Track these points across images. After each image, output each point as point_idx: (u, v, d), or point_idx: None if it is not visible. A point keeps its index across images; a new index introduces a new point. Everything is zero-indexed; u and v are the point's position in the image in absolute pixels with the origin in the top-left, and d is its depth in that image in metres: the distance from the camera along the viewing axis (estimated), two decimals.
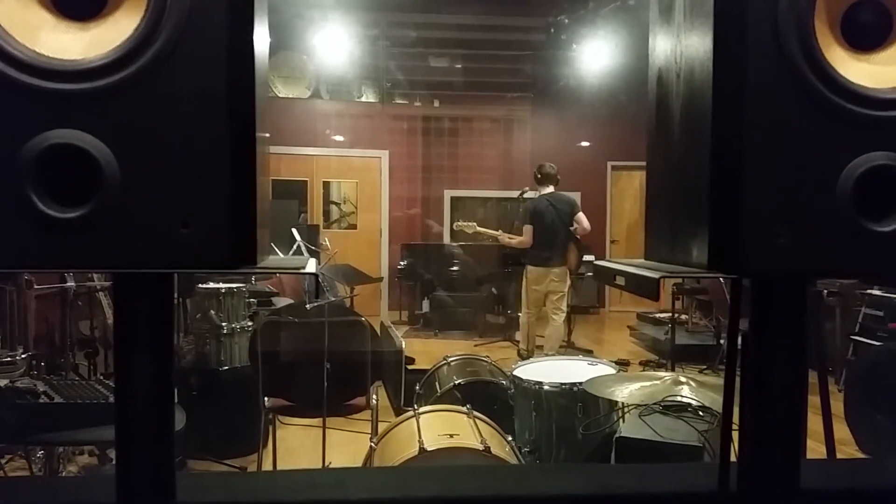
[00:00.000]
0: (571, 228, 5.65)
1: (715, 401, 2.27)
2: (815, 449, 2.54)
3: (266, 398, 3.40)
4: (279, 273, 0.93)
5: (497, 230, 6.19)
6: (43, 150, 0.63)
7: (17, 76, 0.62)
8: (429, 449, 2.17)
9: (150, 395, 0.79)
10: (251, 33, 0.70)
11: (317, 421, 3.85)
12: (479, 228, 6.13)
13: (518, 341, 6.28)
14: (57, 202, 0.64)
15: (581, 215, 5.69)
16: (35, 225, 0.64)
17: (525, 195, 6.09)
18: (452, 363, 3.63)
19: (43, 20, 0.64)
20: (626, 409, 2.75)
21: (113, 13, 0.64)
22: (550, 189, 5.70)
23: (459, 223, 6.30)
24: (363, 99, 9.47)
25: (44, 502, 0.94)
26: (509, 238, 5.88)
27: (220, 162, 0.67)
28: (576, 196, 9.20)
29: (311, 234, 7.51)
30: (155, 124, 0.65)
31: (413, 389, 3.58)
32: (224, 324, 4.04)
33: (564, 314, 5.81)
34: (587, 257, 6.24)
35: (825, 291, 5.20)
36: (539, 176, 5.77)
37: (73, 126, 0.64)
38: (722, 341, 6.00)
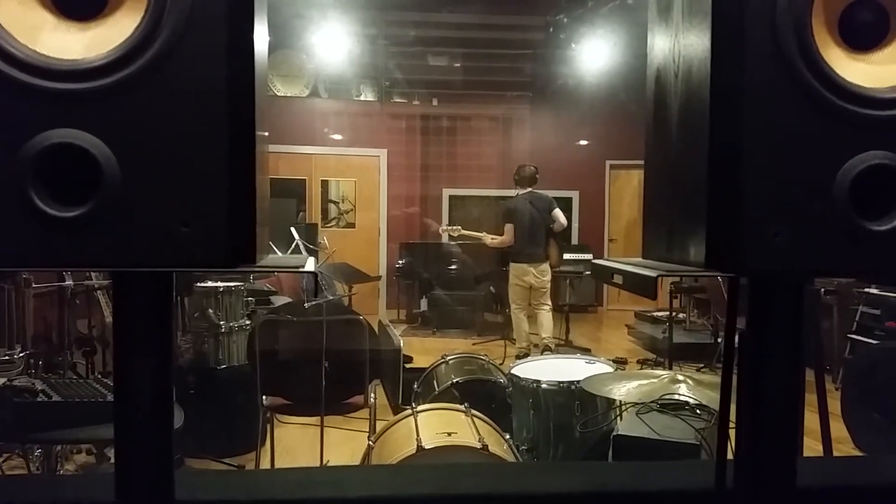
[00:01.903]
0: (551, 226, 5.93)
1: (712, 399, 2.28)
2: (811, 447, 2.55)
3: (264, 397, 3.41)
4: (278, 272, 0.93)
5: (481, 231, 6.40)
6: (43, 149, 0.63)
7: (18, 76, 0.63)
8: (427, 447, 2.17)
9: (150, 393, 0.79)
10: (251, 32, 0.71)
11: (315, 419, 3.85)
12: (463, 231, 6.40)
13: (515, 340, 6.31)
14: (57, 201, 0.64)
15: (558, 211, 5.97)
16: (35, 224, 0.64)
17: (516, 197, 6.19)
18: (450, 362, 3.63)
19: (44, 20, 0.64)
20: (623, 408, 2.76)
21: (113, 13, 0.65)
22: (529, 189, 5.98)
23: (444, 227, 6.54)
24: (362, 98, 9.47)
25: (44, 501, 0.94)
26: (491, 238, 6.12)
27: (220, 161, 0.67)
28: (574, 195, 9.22)
29: (309, 233, 7.52)
30: (155, 123, 0.65)
31: (411, 388, 3.58)
32: (222, 322, 4.04)
33: (550, 307, 6.08)
34: (585, 256, 6.33)
35: (823, 290, 5.21)
36: (517, 177, 6.05)
37: (73, 125, 0.64)
38: (719, 340, 6.01)
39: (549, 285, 6.04)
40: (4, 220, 0.64)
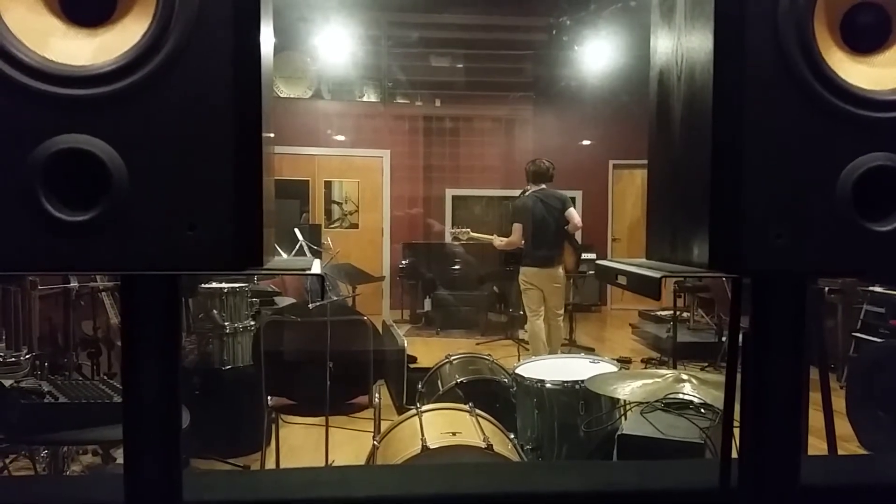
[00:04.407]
0: (566, 227, 5.47)
1: (716, 398, 2.28)
2: (816, 445, 2.55)
3: (269, 397, 3.42)
4: (284, 274, 0.94)
5: (491, 234, 6.01)
6: (52, 154, 0.64)
7: (27, 82, 0.63)
8: (431, 447, 2.18)
9: (158, 395, 0.80)
10: (257, 36, 0.71)
11: (319, 420, 3.87)
12: (472, 234, 6.01)
13: (521, 340, 6.25)
14: (66, 205, 0.65)
15: (572, 211, 5.46)
16: (45, 228, 0.65)
17: (526, 194, 6.06)
18: (454, 362, 3.64)
19: (52, 27, 0.64)
20: (627, 407, 2.76)
21: (122, 19, 0.65)
22: (542, 186, 5.47)
23: (454, 230, 6.21)
24: (365, 99, 9.48)
25: (53, 501, 0.95)
26: (500, 241, 5.70)
27: (227, 164, 0.67)
28: (577, 195, 9.18)
29: (312, 234, 7.53)
30: (162, 128, 0.66)
31: (415, 388, 3.59)
32: (227, 323, 4.06)
33: (562, 315, 5.70)
34: (589, 256, 6.20)
35: (827, 289, 5.19)
36: (529, 171, 5.52)
37: (82, 131, 0.64)
38: (724, 339, 6.00)
39: (562, 292, 5.52)
40: (14, 224, 0.64)
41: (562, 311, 5.66)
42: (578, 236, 5.87)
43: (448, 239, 9.16)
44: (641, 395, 2.41)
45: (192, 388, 3.83)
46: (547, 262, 5.37)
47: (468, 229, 6.05)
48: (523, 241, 5.42)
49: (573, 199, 9.34)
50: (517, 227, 5.43)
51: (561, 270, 5.48)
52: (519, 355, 5.97)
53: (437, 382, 3.49)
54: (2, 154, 0.64)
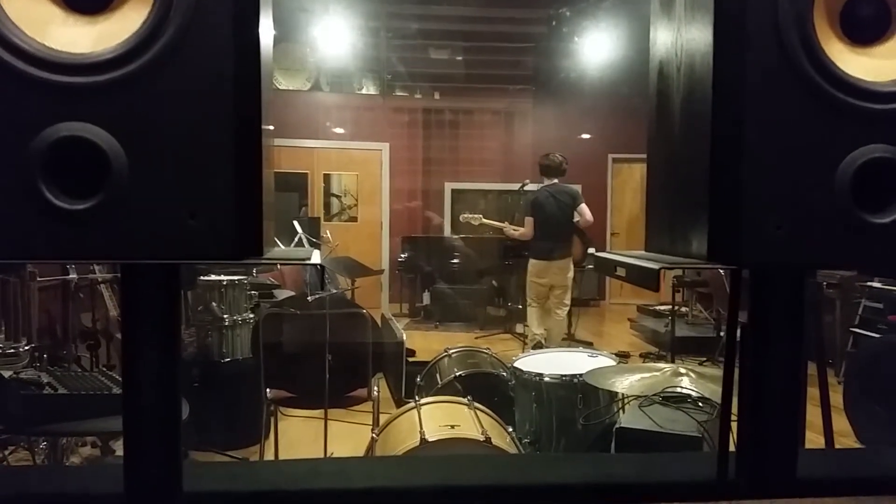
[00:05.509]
0: (575, 220, 5.55)
1: (714, 392, 2.29)
2: (814, 440, 2.56)
3: (268, 389, 3.42)
4: (284, 264, 0.94)
5: (504, 222, 6.12)
6: (52, 142, 0.64)
7: (27, 69, 0.63)
8: (430, 439, 2.19)
9: (157, 387, 0.80)
10: (257, 26, 0.71)
11: (318, 412, 3.88)
12: (484, 220, 6.10)
13: (520, 334, 6.26)
14: (66, 194, 0.65)
15: (584, 207, 5.56)
16: (45, 216, 0.65)
17: (525, 187, 6.07)
18: (453, 355, 3.64)
19: (52, 14, 0.64)
20: (626, 401, 2.77)
21: (121, 7, 0.65)
22: (554, 181, 5.58)
23: (465, 215, 6.25)
24: (364, 91, 9.46)
25: (54, 491, 0.96)
26: (513, 230, 5.81)
27: (227, 154, 0.67)
28: (577, 188, 9.16)
29: (312, 227, 7.53)
30: (162, 117, 0.65)
31: (414, 381, 3.60)
32: (226, 316, 4.06)
33: (567, 308, 5.75)
34: (588, 249, 6.22)
35: (825, 283, 5.19)
36: (542, 166, 5.64)
37: (82, 119, 0.64)
38: (722, 333, 6.00)
39: (569, 283, 5.60)
40: (15, 212, 0.64)
41: (568, 303, 5.70)
42: None
43: (448, 232, 9.16)
44: (639, 389, 2.41)
45: (191, 380, 3.84)
46: (556, 255, 5.49)
47: (480, 215, 6.14)
48: (533, 235, 5.54)
49: None
50: (529, 221, 5.57)
51: (569, 262, 5.57)
52: (523, 346, 5.99)
53: (436, 376, 3.49)
54: (2, 142, 0.64)
